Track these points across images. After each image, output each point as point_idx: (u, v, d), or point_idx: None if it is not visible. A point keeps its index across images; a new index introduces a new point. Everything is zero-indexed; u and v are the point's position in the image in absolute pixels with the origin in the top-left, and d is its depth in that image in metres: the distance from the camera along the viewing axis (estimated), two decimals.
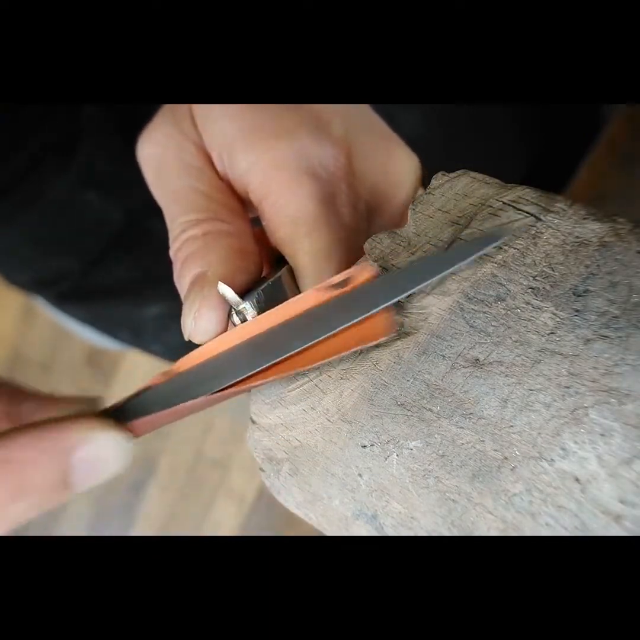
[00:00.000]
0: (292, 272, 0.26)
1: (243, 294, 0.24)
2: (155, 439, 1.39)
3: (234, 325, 0.24)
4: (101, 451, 0.19)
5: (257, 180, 0.25)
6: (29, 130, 0.47)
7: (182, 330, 0.24)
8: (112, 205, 0.51)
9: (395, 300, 0.21)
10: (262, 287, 0.24)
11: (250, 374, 0.22)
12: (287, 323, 0.22)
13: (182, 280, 0.25)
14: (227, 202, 0.26)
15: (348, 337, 0.21)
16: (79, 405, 0.21)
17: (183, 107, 0.27)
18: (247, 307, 0.23)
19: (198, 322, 0.23)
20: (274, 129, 0.25)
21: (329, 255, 0.25)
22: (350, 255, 0.25)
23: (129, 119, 0.51)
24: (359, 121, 0.28)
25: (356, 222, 0.27)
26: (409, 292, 0.21)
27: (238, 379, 0.22)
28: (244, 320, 0.23)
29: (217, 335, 0.23)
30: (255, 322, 0.22)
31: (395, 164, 0.28)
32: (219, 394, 0.22)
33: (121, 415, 0.21)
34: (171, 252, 0.26)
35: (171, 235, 0.26)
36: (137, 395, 0.21)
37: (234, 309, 0.23)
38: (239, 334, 0.23)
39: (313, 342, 0.21)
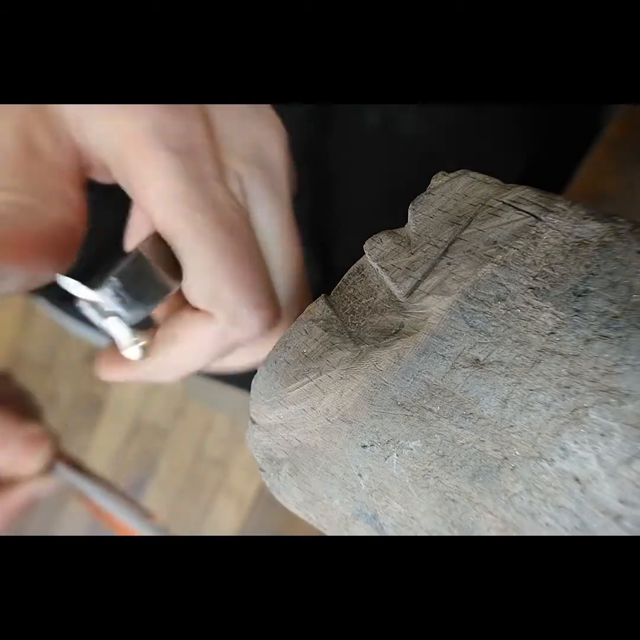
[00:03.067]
0: (154, 246, 0.24)
1: (95, 285, 0.21)
2: (155, 438, 1.39)
3: (90, 318, 0.21)
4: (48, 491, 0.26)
5: (114, 157, 0.24)
6: None
7: None
8: (112, 207, 0.51)
9: None
10: (115, 272, 0.21)
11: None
12: None
13: None
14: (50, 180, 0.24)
15: None
16: (42, 447, 0.26)
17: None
18: (98, 299, 0.20)
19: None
20: (124, 106, 0.24)
21: (210, 237, 0.24)
22: (232, 234, 0.24)
23: None
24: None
25: (229, 198, 0.25)
26: None
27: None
28: (102, 312, 0.20)
29: None
30: None
31: (262, 128, 0.27)
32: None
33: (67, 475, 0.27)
34: None
35: None
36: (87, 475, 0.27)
37: (84, 302, 0.20)
38: None
39: None
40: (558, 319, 0.20)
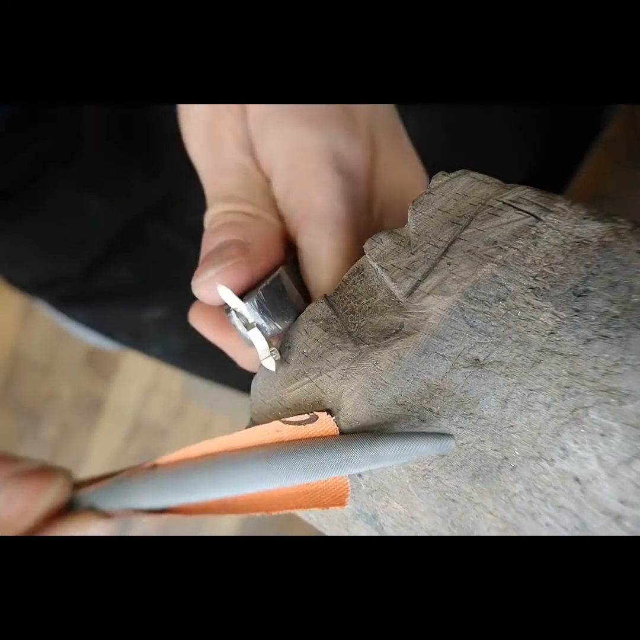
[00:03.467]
0: (291, 270, 0.26)
1: (242, 296, 0.24)
2: (155, 438, 1.39)
3: (235, 327, 0.24)
4: (89, 534, 0.23)
5: (284, 167, 0.25)
6: (30, 135, 0.47)
7: (194, 280, 0.23)
8: (113, 209, 0.51)
9: (351, 472, 0.21)
10: (261, 287, 0.24)
11: (206, 500, 0.23)
12: (250, 456, 0.22)
13: (214, 237, 0.24)
14: (265, 192, 0.26)
15: (301, 494, 0.22)
16: (53, 482, 0.23)
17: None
18: (245, 310, 0.23)
19: (220, 276, 0.23)
20: (305, 117, 0.25)
21: (348, 256, 0.25)
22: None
23: (130, 124, 0.51)
24: (388, 125, 0.28)
25: (370, 226, 0.27)
26: (368, 468, 0.21)
27: (192, 501, 0.23)
28: (245, 323, 0.23)
29: (224, 296, 0.23)
30: (229, 439, 0.23)
31: (408, 174, 0.29)
32: (185, 511, 0.23)
33: (103, 497, 0.23)
34: (206, 220, 0.26)
35: (211, 205, 0.26)
36: (121, 477, 0.23)
37: (234, 310, 0.23)
38: (218, 444, 0.23)
39: (265, 490, 0.22)
40: (558, 319, 0.20)
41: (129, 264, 0.54)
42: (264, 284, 0.24)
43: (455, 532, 0.21)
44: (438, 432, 0.20)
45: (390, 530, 0.23)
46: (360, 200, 0.26)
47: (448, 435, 0.20)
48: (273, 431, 0.22)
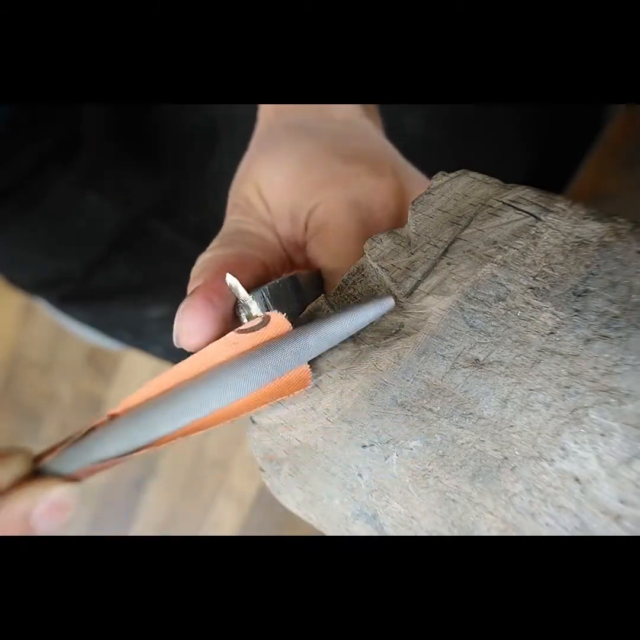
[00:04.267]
0: (313, 280, 0.27)
1: (250, 290, 0.24)
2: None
3: (239, 319, 0.24)
4: (55, 503, 0.22)
5: (315, 222, 0.28)
6: (31, 134, 0.47)
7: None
8: (114, 208, 0.51)
9: (308, 359, 0.22)
10: (269, 284, 0.24)
11: (172, 430, 0.22)
12: (215, 372, 0.22)
13: (192, 285, 0.26)
14: (256, 235, 0.28)
15: (268, 390, 0.22)
16: (13, 459, 0.22)
17: (248, 182, 0.29)
18: (251, 301, 0.24)
19: (181, 323, 0.24)
20: (332, 181, 0.28)
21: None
22: None
23: (131, 122, 0.51)
24: (397, 156, 0.31)
25: None
26: (322, 350, 0.22)
27: (162, 435, 0.23)
28: (248, 316, 0.24)
29: (202, 339, 0.24)
30: (187, 364, 0.23)
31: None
32: (151, 445, 0.23)
33: (66, 460, 0.23)
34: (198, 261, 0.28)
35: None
36: (81, 437, 0.23)
37: (240, 302, 0.24)
38: (171, 377, 0.23)
39: (237, 399, 0.22)
40: (558, 319, 0.20)
41: (129, 262, 0.54)
42: (273, 282, 0.25)
43: (455, 532, 0.21)
44: (377, 298, 0.22)
45: (390, 530, 0.23)
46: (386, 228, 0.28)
47: (386, 295, 0.22)
48: (230, 345, 0.23)
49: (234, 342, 0.22)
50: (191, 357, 0.23)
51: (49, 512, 0.22)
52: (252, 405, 0.22)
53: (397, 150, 0.31)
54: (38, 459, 0.23)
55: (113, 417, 0.23)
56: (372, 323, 0.22)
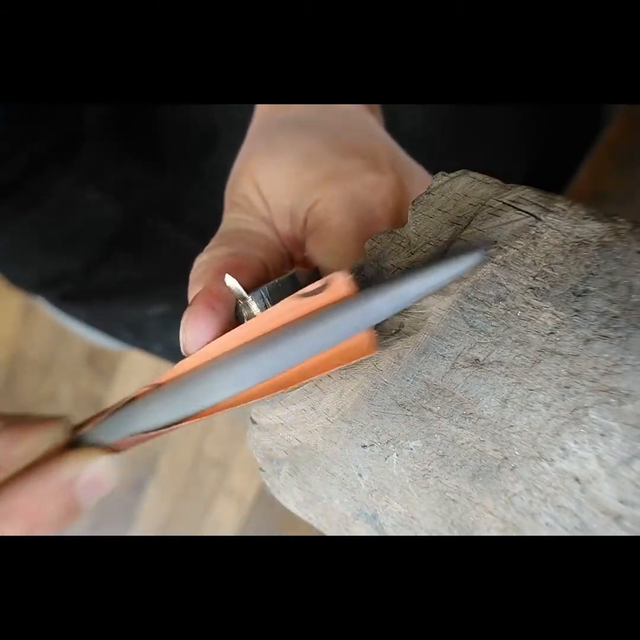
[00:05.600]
0: (310, 277, 0.27)
1: (249, 291, 0.24)
2: (155, 438, 1.39)
3: (238, 321, 0.24)
4: (97, 475, 0.21)
5: (313, 219, 0.28)
6: (31, 131, 0.47)
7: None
8: (114, 205, 0.51)
9: (376, 322, 0.21)
10: (269, 283, 0.24)
11: (230, 395, 0.22)
12: (271, 338, 0.21)
13: (193, 289, 0.26)
14: (255, 234, 0.28)
15: (329, 357, 0.21)
16: (53, 427, 0.21)
17: (246, 178, 0.29)
18: (251, 301, 0.24)
19: (186, 333, 0.24)
20: (331, 178, 0.28)
21: None
22: None
23: (131, 121, 0.51)
24: (398, 152, 0.31)
25: None
26: (393, 311, 0.21)
27: (220, 400, 0.22)
28: (249, 316, 0.23)
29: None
30: (244, 329, 0.22)
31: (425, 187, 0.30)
32: (199, 415, 0.22)
33: (106, 430, 0.22)
34: (196, 262, 0.28)
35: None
36: (122, 406, 0.22)
37: (240, 302, 0.24)
38: (222, 344, 0.22)
39: (296, 364, 0.21)
40: (558, 319, 0.20)
41: (130, 261, 0.54)
42: (273, 281, 0.25)
43: (455, 532, 0.21)
44: (459, 251, 0.20)
45: (390, 530, 0.23)
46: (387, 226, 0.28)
47: (473, 248, 0.20)
48: (288, 310, 0.21)
49: (292, 308, 0.21)
50: (245, 324, 0.22)
51: (91, 483, 0.21)
52: (314, 371, 0.21)
53: (398, 146, 0.31)
54: (78, 428, 0.22)
55: (159, 385, 0.22)
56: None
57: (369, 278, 0.23)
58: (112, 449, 0.22)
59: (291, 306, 0.21)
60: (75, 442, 0.22)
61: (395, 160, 0.30)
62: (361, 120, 0.31)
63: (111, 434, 0.22)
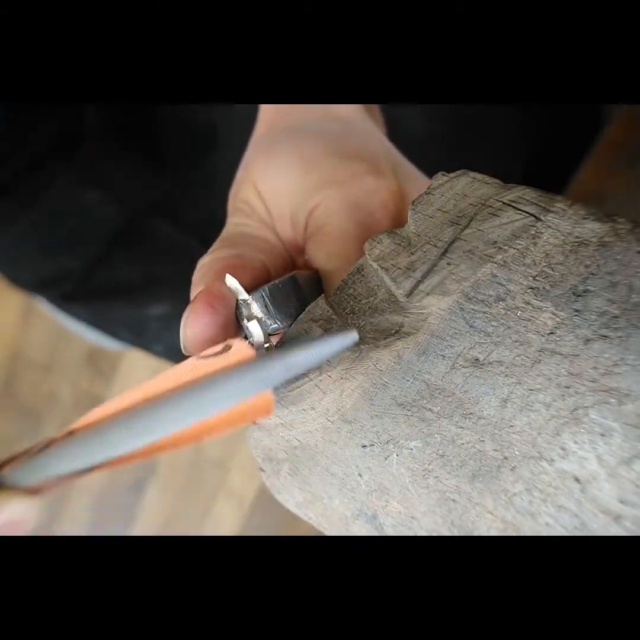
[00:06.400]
0: (310, 281, 0.27)
1: (250, 291, 0.24)
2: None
3: (240, 320, 0.24)
4: (14, 516, 0.21)
5: (314, 222, 0.28)
6: (30, 130, 0.47)
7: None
8: (114, 204, 0.51)
9: (270, 387, 0.21)
10: (269, 284, 0.24)
11: (130, 450, 0.22)
12: (167, 397, 0.22)
13: (194, 290, 0.26)
14: (257, 237, 0.28)
15: (229, 416, 0.22)
16: None
17: (247, 185, 0.30)
18: (251, 301, 0.24)
19: (186, 331, 0.24)
20: (331, 182, 0.28)
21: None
22: None
23: (131, 120, 0.51)
24: (397, 155, 0.31)
25: None
26: (285, 379, 0.22)
27: (119, 454, 0.22)
28: (249, 316, 0.24)
29: (207, 344, 0.24)
30: (150, 385, 0.23)
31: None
32: (108, 464, 0.22)
33: (24, 473, 0.22)
34: (199, 263, 0.28)
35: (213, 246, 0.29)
36: (39, 450, 0.22)
37: (240, 302, 0.24)
38: (132, 397, 0.23)
39: (188, 424, 0.22)
40: (558, 319, 0.20)
41: (130, 260, 0.54)
42: (273, 282, 0.25)
43: (455, 532, 0.21)
44: (341, 332, 0.22)
45: (390, 530, 0.23)
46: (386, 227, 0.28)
47: (350, 329, 0.22)
48: (189, 370, 0.22)
49: (194, 367, 0.22)
50: (154, 378, 0.23)
51: (9, 524, 0.21)
52: (213, 430, 0.22)
53: (397, 150, 0.31)
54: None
55: (71, 432, 0.23)
56: (372, 323, 0.22)
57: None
58: (31, 491, 0.22)
59: (192, 365, 0.22)
60: None
61: (395, 165, 0.30)
62: (361, 125, 0.31)
63: (28, 476, 0.22)
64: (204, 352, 0.22)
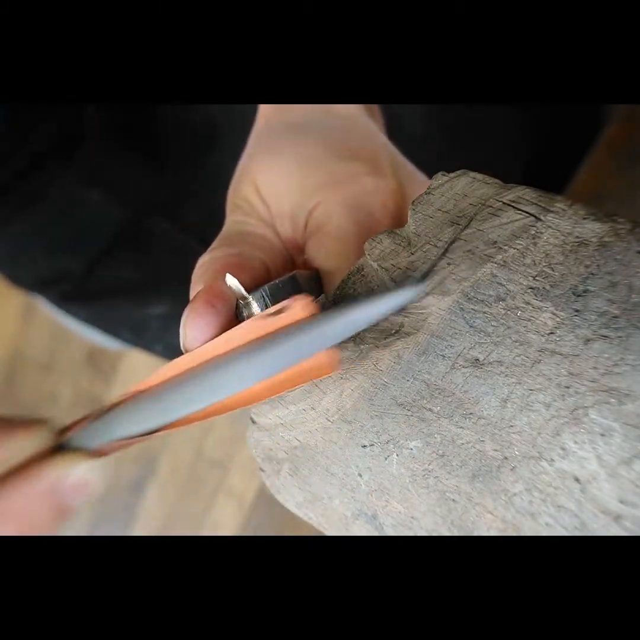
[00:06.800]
0: (311, 280, 0.27)
1: (250, 291, 0.24)
2: (155, 438, 1.39)
3: (238, 320, 0.24)
4: (82, 478, 0.21)
5: (314, 222, 0.28)
6: (30, 130, 0.47)
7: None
8: (114, 204, 0.51)
9: (332, 344, 0.22)
10: (269, 283, 0.24)
11: (199, 408, 0.22)
12: (230, 357, 0.22)
13: (194, 288, 0.26)
14: (257, 235, 0.28)
15: (293, 375, 0.22)
16: (36, 430, 0.22)
17: (247, 182, 0.30)
18: (251, 301, 0.24)
19: (186, 330, 0.24)
20: (332, 181, 0.28)
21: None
22: None
23: (132, 119, 0.51)
24: (397, 155, 0.31)
25: None
26: (351, 334, 0.22)
27: (183, 415, 0.22)
28: (249, 315, 0.24)
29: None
30: (213, 345, 0.23)
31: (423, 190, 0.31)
32: (175, 424, 0.22)
33: (90, 435, 0.22)
34: (199, 262, 0.28)
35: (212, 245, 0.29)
36: (105, 411, 0.23)
37: (240, 302, 0.24)
38: (197, 356, 0.23)
39: (251, 385, 0.22)
40: (558, 319, 0.20)
41: (130, 260, 0.54)
42: (273, 281, 0.25)
43: (455, 532, 0.21)
44: (404, 284, 0.22)
45: (390, 530, 0.23)
46: (385, 227, 0.28)
47: (414, 282, 0.22)
48: (252, 329, 0.22)
49: (257, 326, 0.22)
50: (213, 340, 0.23)
51: (77, 487, 0.21)
52: (276, 389, 0.22)
53: (397, 150, 0.31)
54: (62, 432, 0.22)
55: (137, 393, 0.23)
56: (375, 330, 0.22)
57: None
58: (96, 453, 0.22)
59: (256, 324, 0.22)
60: (60, 446, 0.22)
61: (395, 164, 0.30)
62: (362, 124, 0.31)
63: (94, 438, 0.22)
64: (266, 311, 0.22)
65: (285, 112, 0.31)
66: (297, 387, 0.22)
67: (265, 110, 0.32)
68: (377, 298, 0.21)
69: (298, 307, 0.22)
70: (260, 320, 0.22)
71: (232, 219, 0.29)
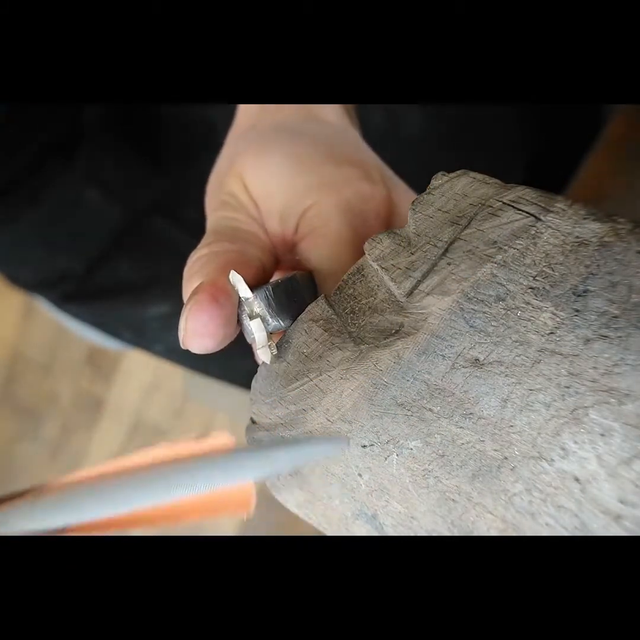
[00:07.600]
0: (309, 281, 0.27)
1: (253, 289, 0.24)
2: (155, 438, 1.39)
3: (239, 320, 0.24)
4: None
5: (307, 223, 0.28)
6: (31, 130, 0.47)
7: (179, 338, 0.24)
8: (115, 204, 0.51)
9: (245, 480, 0.21)
10: (272, 283, 0.24)
11: (100, 517, 0.22)
12: (137, 475, 0.22)
13: (186, 296, 0.26)
14: (250, 233, 0.28)
15: (202, 504, 0.22)
16: None
17: (233, 175, 0.29)
18: (253, 300, 0.24)
19: (188, 323, 0.23)
20: (326, 184, 0.28)
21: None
22: None
23: (131, 119, 0.51)
24: (385, 167, 0.31)
25: None
26: (263, 474, 0.22)
27: (80, 521, 0.22)
28: (250, 314, 0.23)
29: (209, 340, 0.23)
30: (127, 460, 0.22)
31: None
32: (72, 528, 0.22)
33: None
34: (190, 259, 0.28)
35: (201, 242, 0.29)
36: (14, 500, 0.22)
37: (242, 299, 0.24)
38: (106, 468, 0.23)
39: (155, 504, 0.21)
40: (558, 319, 0.20)
41: (130, 260, 0.54)
42: (274, 281, 0.25)
43: (455, 532, 0.21)
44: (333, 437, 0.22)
45: (390, 530, 0.23)
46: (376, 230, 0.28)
47: (343, 438, 0.22)
48: (169, 451, 0.22)
49: (173, 449, 0.22)
50: (129, 457, 0.22)
51: None
52: (187, 514, 0.22)
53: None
54: None
55: (42, 490, 0.22)
56: (372, 323, 0.22)
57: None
58: None
59: (174, 447, 0.22)
60: None
61: (384, 173, 0.30)
62: (351, 133, 0.31)
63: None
64: (187, 437, 0.22)
65: (273, 113, 0.31)
66: (210, 514, 0.22)
67: (247, 111, 0.32)
68: (299, 445, 0.21)
69: (218, 438, 0.21)
70: (175, 443, 0.22)
71: (221, 215, 0.29)
